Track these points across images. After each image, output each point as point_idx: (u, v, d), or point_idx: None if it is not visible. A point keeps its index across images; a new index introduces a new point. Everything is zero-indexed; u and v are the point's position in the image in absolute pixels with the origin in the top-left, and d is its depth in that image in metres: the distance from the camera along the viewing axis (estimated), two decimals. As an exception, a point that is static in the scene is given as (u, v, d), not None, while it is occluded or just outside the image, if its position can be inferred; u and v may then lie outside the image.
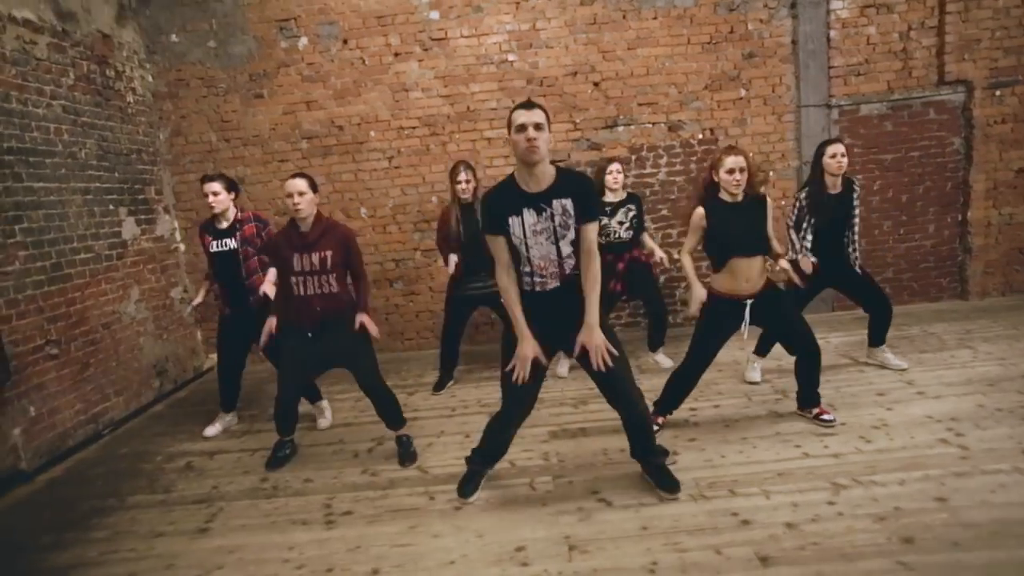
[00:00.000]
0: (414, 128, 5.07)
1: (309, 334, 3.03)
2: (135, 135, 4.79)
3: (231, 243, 3.58)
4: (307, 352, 3.07)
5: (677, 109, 5.01)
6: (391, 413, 3.24)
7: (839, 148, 3.49)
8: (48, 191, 3.81)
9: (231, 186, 3.60)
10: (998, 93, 4.87)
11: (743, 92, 4.99)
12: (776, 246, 3.04)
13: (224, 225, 3.59)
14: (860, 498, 2.44)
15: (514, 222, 2.31)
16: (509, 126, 2.27)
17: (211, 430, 3.81)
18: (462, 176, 3.93)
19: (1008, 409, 3.08)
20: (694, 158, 5.04)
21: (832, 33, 4.87)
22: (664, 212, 5.14)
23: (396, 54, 4.99)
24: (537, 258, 2.35)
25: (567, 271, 2.38)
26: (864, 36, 4.88)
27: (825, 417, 3.12)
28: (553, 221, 2.30)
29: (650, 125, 5.02)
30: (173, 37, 4.99)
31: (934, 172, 5.07)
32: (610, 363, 2.37)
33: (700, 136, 5.05)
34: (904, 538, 2.16)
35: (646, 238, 4.18)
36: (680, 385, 3.17)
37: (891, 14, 4.84)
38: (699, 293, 3.02)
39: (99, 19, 4.47)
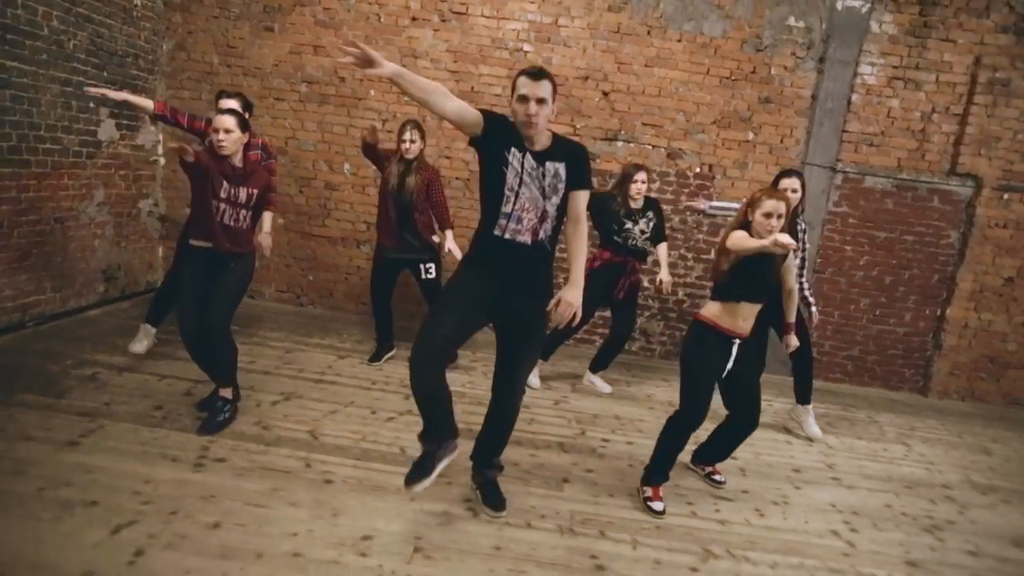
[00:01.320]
0: (415, 96, 4.96)
1: (207, 262, 2.94)
2: (135, 39, 4.71)
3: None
4: (202, 282, 2.95)
5: (680, 137, 4.88)
6: (222, 365, 2.97)
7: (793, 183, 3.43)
8: (22, 72, 3.74)
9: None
10: (1006, 196, 4.72)
11: (751, 135, 4.85)
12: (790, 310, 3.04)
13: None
14: (724, 571, 2.36)
15: (515, 156, 2.20)
16: (513, 89, 2.18)
17: (138, 347, 3.74)
18: (407, 136, 3.80)
19: (912, 516, 2.98)
20: (686, 190, 4.92)
21: (854, 97, 4.72)
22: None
23: (413, 18, 4.88)
24: (524, 198, 2.22)
25: (540, 232, 2.28)
26: (886, 107, 4.73)
27: (717, 478, 3.03)
28: (543, 180, 2.23)
29: (650, 147, 4.90)
30: (196, -51, 4.90)
31: (924, 261, 4.93)
32: (565, 325, 2.33)
33: (697, 169, 4.92)
34: (748, 621, 2.08)
35: (662, 249, 4.04)
36: (674, 441, 2.77)
37: (918, 91, 4.68)
38: (773, 239, 2.40)
39: (118, -88, 4.38)
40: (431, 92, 2.04)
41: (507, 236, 2.25)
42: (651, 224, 3.95)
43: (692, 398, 2.70)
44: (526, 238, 2.26)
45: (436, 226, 4.03)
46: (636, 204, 3.94)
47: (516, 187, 2.21)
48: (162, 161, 5.21)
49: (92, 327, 4.16)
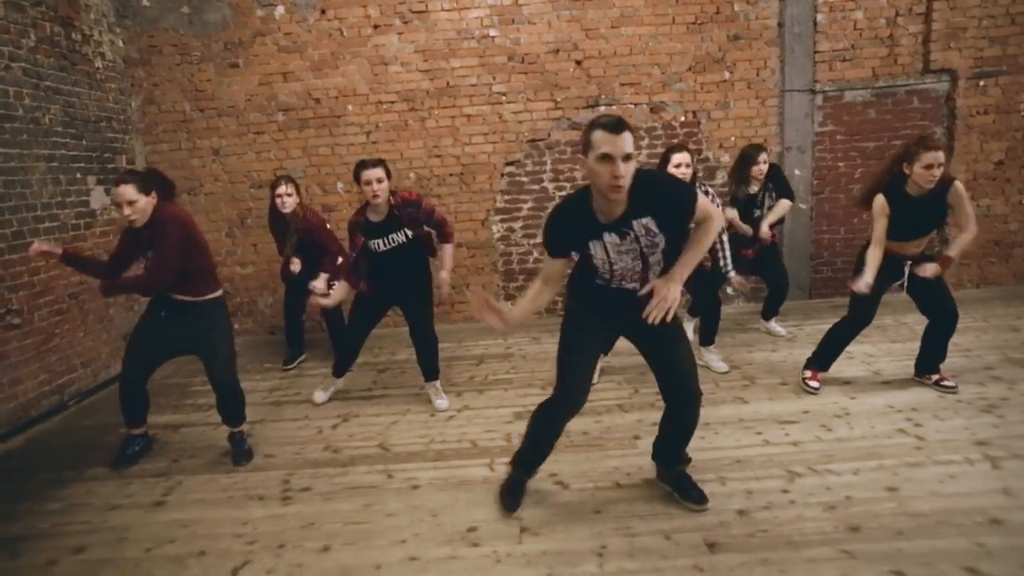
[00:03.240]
0: (392, 103, 4.97)
1: (163, 314, 2.91)
2: (104, 102, 4.67)
3: (399, 237, 3.25)
4: (159, 334, 2.93)
5: (660, 90, 4.94)
6: (232, 410, 3.05)
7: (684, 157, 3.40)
8: (8, 156, 3.71)
9: (388, 172, 3.21)
10: (982, 83, 4.84)
11: (727, 75, 4.92)
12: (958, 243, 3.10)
13: (380, 219, 3.23)
14: (813, 487, 2.45)
15: (595, 246, 2.05)
16: (586, 147, 1.88)
17: (320, 396, 3.71)
18: (281, 189, 3.88)
19: (967, 400, 3.10)
20: (675, 140, 4.98)
21: (819, 16, 4.80)
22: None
23: (375, 26, 4.86)
24: (619, 267, 2.10)
25: (650, 278, 2.13)
26: (851, 20, 4.81)
27: (947, 383, 3.23)
28: (639, 243, 2.03)
29: (632, 106, 4.96)
30: (145, 1, 4.83)
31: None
32: (666, 317, 1.98)
33: (682, 118, 4.98)
34: (851, 527, 2.18)
35: (784, 204, 4.05)
36: (838, 339, 3.33)
37: (879, -1, 4.77)
38: (868, 279, 3.02)
39: (64, -21, 4.32)
40: (540, 300, 2.20)
41: (613, 286, 2.18)
42: (773, 195, 4.05)
43: (858, 308, 3.23)
44: (633, 284, 2.16)
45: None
46: (759, 186, 4.02)
47: (609, 267, 2.10)
48: (155, 218, 5.17)
49: (130, 394, 4.16)
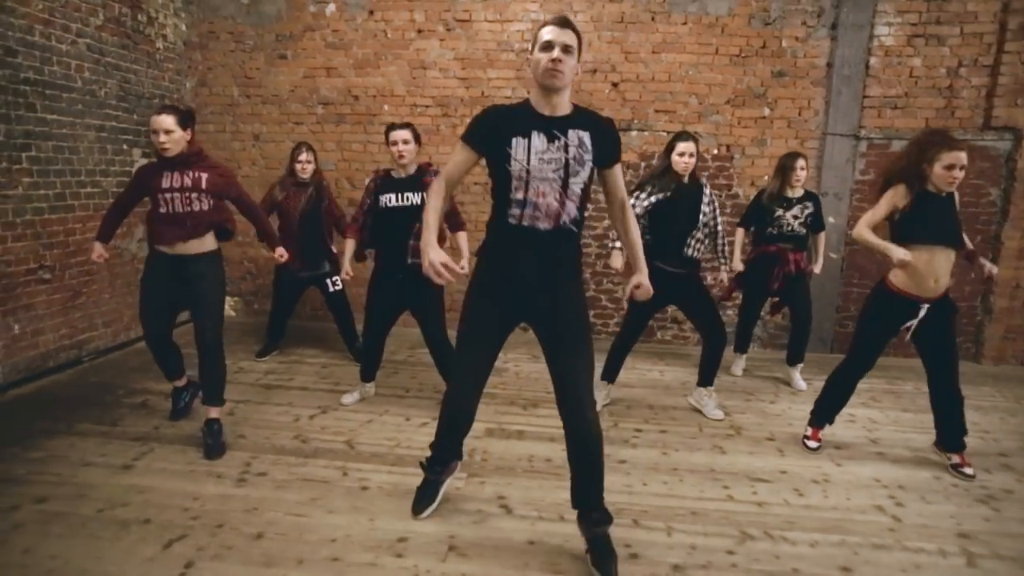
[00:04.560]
0: (427, 107, 5.06)
1: (168, 264, 2.96)
2: (160, 81, 4.96)
3: (414, 198, 3.25)
4: (163, 287, 2.99)
5: (695, 120, 4.82)
6: (211, 381, 3.00)
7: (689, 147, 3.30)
8: (61, 124, 4.00)
9: (417, 137, 3.33)
10: (1047, 146, 4.48)
11: (767, 111, 4.75)
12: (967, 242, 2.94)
13: (403, 175, 3.31)
14: (762, 552, 2.32)
15: (518, 144, 1.95)
16: (534, 43, 1.98)
17: (348, 399, 3.67)
18: (303, 156, 4.09)
19: (964, 487, 2.86)
20: (706, 174, 4.85)
21: (872, 60, 4.57)
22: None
23: (419, 31, 4.97)
24: (538, 182, 1.97)
25: (564, 217, 2.01)
26: (907, 67, 4.56)
27: (965, 470, 2.95)
28: (567, 152, 1.96)
29: (665, 133, 4.85)
30: (209, -10, 5.12)
31: (965, 222, 4.66)
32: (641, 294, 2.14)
33: (715, 151, 4.85)
34: (787, 602, 2.05)
35: (821, 239, 4.08)
36: (839, 388, 3.12)
37: (941, 47, 4.50)
38: (899, 252, 2.75)
39: (136, -36, 4.63)
40: (436, 205, 2.07)
41: (525, 223, 2.01)
42: (806, 211, 3.92)
43: (860, 352, 3.05)
44: (546, 224, 2.01)
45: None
46: (794, 193, 3.93)
47: (524, 176, 1.97)
48: (195, 194, 5.44)
49: (141, 358, 4.38)
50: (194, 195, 2.91)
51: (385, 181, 3.34)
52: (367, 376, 3.69)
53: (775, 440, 3.32)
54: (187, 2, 5.14)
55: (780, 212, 3.89)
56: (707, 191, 3.43)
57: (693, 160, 3.30)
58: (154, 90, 4.89)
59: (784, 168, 3.89)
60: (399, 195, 3.27)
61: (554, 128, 1.98)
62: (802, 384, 4.15)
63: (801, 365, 4.20)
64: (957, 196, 2.84)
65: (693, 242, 3.38)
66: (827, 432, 3.32)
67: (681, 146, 3.28)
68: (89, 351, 4.33)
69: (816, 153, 4.75)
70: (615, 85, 4.86)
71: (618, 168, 2.13)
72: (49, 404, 3.52)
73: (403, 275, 3.29)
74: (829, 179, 4.71)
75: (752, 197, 4.15)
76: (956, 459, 2.99)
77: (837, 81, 4.59)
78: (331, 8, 5.02)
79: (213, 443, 2.95)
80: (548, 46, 1.92)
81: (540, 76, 1.95)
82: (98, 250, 3.05)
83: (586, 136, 2.00)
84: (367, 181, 3.47)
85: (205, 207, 2.95)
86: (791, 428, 3.46)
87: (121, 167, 4.56)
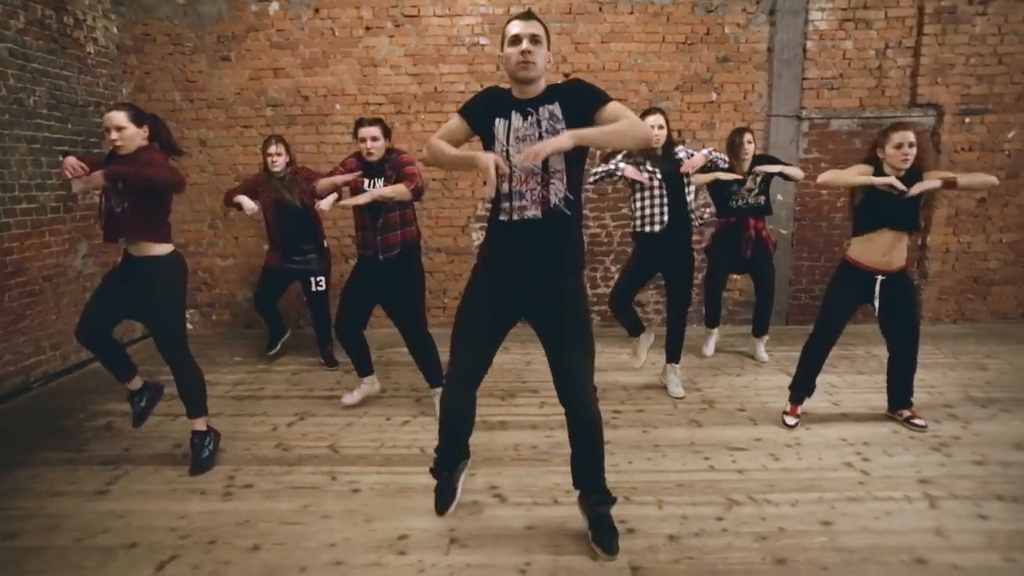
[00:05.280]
0: (380, 105, 5.00)
1: (123, 264, 2.80)
2: (94, 87, 4.70)
3: (379, 183, 3.22)
4: (114, 289, 2.80)
5: (646, 107, 4.93)
6: (186, 394, 2.88)
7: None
8: (-12, 137, 3.75)
9: (387, 132, 3.31)
10: (967, 120, 4.84)
11: (714, 96, 4.93)
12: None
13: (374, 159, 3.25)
14: (749, 516, 2.45)
15: (500, 125, 2.03)
16: (502, 40, 2.03)
17: (350, 398, 3.60)
18: (272, 148, 4.05)
19: (919, 438, 3.09)
20: (659, 159, 4.99)
21: (809, 44, 4.81)
22: (626, 211, 5.11)
23: (367, 28, 4.90)
24: (517, 167, 2.01)
25: (552, 199, 2.02)
26: (840, 50, 4.83)
27: (917, 421, 3.19)
28: (539, 127, 1.99)
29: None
30: (141, -11, 4.88)
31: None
32: (535, 161, 1.85)
33: (667, 137, 4.99)
34: (778, 559, 2.17)
35: (790, 171, 4.04)
36: (809, 360, 3.24)
37: (869, 30, 4.78)
38: (883, 179, 2.87)
39: (58, -37, 4.36)
40: (441, 157, 2.11)
41: (514, 218, 2.04)
42: (758, 179, 4.04)
43: (824, 324, 3.19)
44: (535, 212, 2.03)
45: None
46: (744, 167, 4.03)
47: (506, 158, 2.01)
48: (139, 205, 5.20)
49: (97, 379, 4.18)
50: (115, 196, 2.64)
51: (365, 166, 3.29)
52: (363, 370, 3.61)
53: (746, 411, 3.49)
54: (117, 3, 4.89)
55: (735, 188, 4.05)
56: (683, 153, 3.55)
57: (663, 131, 3.47)
58: (88, 97, 4.63)
59: (732, 144, 4.04)
60: (371, 181, 3.26)
61: (527, 107, 2.03)
62: (765, 356, 4.36)
63: (766, 337, 4.41)
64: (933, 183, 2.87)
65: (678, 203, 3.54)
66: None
67: (650, 119, 3.46)
68: (38, 376, 4.09)
69: (762, 135, 4.97)
70: (567, 76, 4.93)
71: (611, 105, 1.98)
72: (1, 436, 3.31)
73: (379, 269, 3.29)
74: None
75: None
76: (907, 413, 3.24)
77: (778, 65, 4.81)
78: (274, 7, 4.87)
79: (196, 458, 2.86)
80: (516, 40, 1.97)
81: (513, 69, 2.00)
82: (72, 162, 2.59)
83: (555, 107, 2.02)
84: (345, 159, 3.38)
85: (126, 205, 2.62)
86: (759, 398, 3.64)
87: (59, 180, 4.30)
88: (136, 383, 3.04)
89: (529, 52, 1.95)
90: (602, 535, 2.21)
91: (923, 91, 4.81)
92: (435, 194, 5.12)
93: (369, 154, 3.20)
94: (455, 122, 2.13)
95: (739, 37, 4.83)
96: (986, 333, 4.92)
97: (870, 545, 2.23)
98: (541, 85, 2.06)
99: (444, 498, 2.46)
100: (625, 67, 4.90)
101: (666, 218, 3.49)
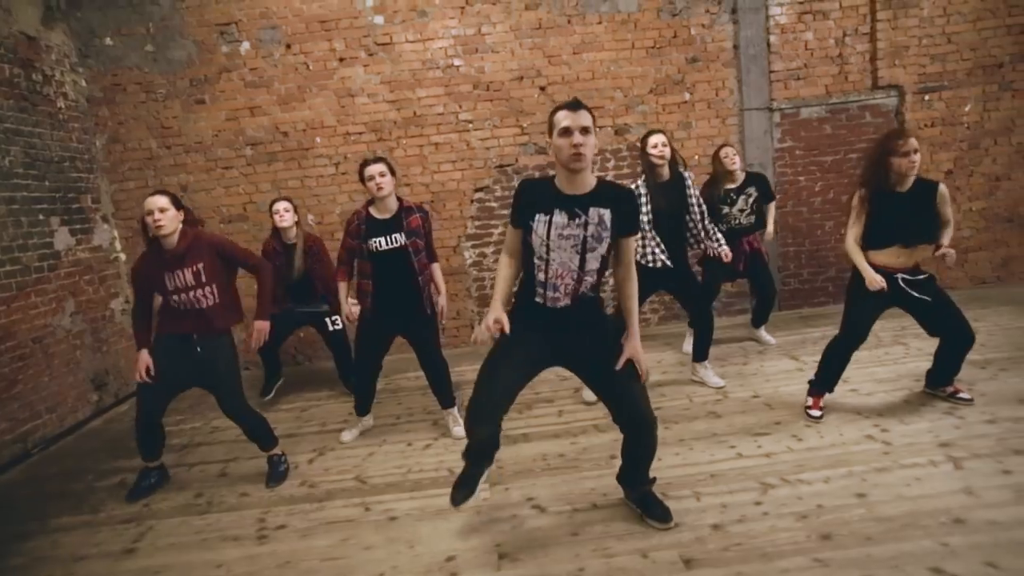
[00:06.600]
0: (360, 134, 5.01)
1: (180, 348, 2.93)
2: (67, 142, 4.63)
3: (400, 239, 3.17)
4: (175, 368, 2.93)
5: (623, 113, 5.07)
6: (261, 436, 3.11)
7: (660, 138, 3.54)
8: (-33, 201, 3.65)
9: (392, 170, 3.22)
10: (927, 97, 5.06)
11: (687, 96, 5.07)
12: (946, 235, 3.00)
13: (387, 216, 3.20)
14: (786, 497, 2.50)
15: (540, 221, 2.09)
16: (551, 128, 2.07)
17: (347, 435, 3.58)
18: (277, 206, 4.00)
19: (930, 404, 3.19)
20: (640, 162, 5.09)
21: (772, 38, 5.00)
22: (613, 215, 5.19)
23: (341, 59, 4.93)
24: (556, 264, 2.12)
25: (581, 290, 2.18)
26: (802, 41, 5.02)
27: (962, 395, 3.18)
28: (585, 230, 2.08)
29: (596, 129, 5.05)
30: (107, 40, 4.83)
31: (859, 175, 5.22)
32: (645, 375, 2.24)
33: (646, 140, 5.11)
34: (823, 535, 2.22)
35: (771, 208, 4.28)
36: (834, 359, 3.18)
37: (826, 20, 4.99)
38: (873, 276, 2.97)
39: (22, 20, 4.29)
40: (506, 275, 2.29)
41: (548, 305, 2.19)
42: (751, 199, 4.11)
43: (850, 324, 3.15)
44: (566, 301, 2.19)
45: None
46: (734, 184, 4.10)
47: (545, 255, 2.12)
48: (123, 257, 5.11)
49: (99, 437, 4.06)
50: (199, 292, 2.87)
51: (371, 224, 3.19)
52: (362, 410, 3.60)
53: (760, 396, 3.55)
54: (83, 56, 4.83)
55: (727, 209, 4.15)
56: (688, 179, 3.60)
57: (667, 149, 3.50)
58: (63, 152, 4.55)
59: (715, 162, 4.16)
60: (388, 237, 3.17)
61: (576, 206, 2.09)
62: (770, 339, 4.48)
63: (765, 325, 4.51)
64: (943, 190, 2.94)
65: (685, 228, 3.64)
66: (801, 381, 3.58)
67: (653, 139, 3.52)
68: (36, 441, 3.95)
69: (737, 129, 5.12)
70: (543, 89, 5.03)
71: (632, 239, 2.20)
72: (8, 508, 3.18)
73: (407, 316, 3.28)
74: (752, 152, 5.08)
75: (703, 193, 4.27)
76: (951, 389, 3.23)
77: (745, 60, 4.98)
78: (245, 46, 4.87)
79: (272, 472, 3.12)
80: (567, 132, 2.00)
81: (565, 161, 2.04)
82: (144, 359, 2.90)
83: (607, 213, 2.09)
84: (349, 223, 3.27)
85: (215, 300, 2.92)
86: (770, 383, 3.72)
87: (40, 239, 4.21)
88: (156, 463, 3.18)
89: (581, 144, 2.00)
90: (653, 510, 2.41)
91: (883, 74, 5.02)
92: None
93: (380, 189, 3.12)
94: (509, 232, 2.26)
95: (705, 37, 4.99)
96: (968, 299, 5.08)
97: (907, 512, 2.29)
98: (588, 175, 2.11)
99: (464, 489, 2.28)
100: (599, 75, 5.01)
101: (665, 256, 3.52)
